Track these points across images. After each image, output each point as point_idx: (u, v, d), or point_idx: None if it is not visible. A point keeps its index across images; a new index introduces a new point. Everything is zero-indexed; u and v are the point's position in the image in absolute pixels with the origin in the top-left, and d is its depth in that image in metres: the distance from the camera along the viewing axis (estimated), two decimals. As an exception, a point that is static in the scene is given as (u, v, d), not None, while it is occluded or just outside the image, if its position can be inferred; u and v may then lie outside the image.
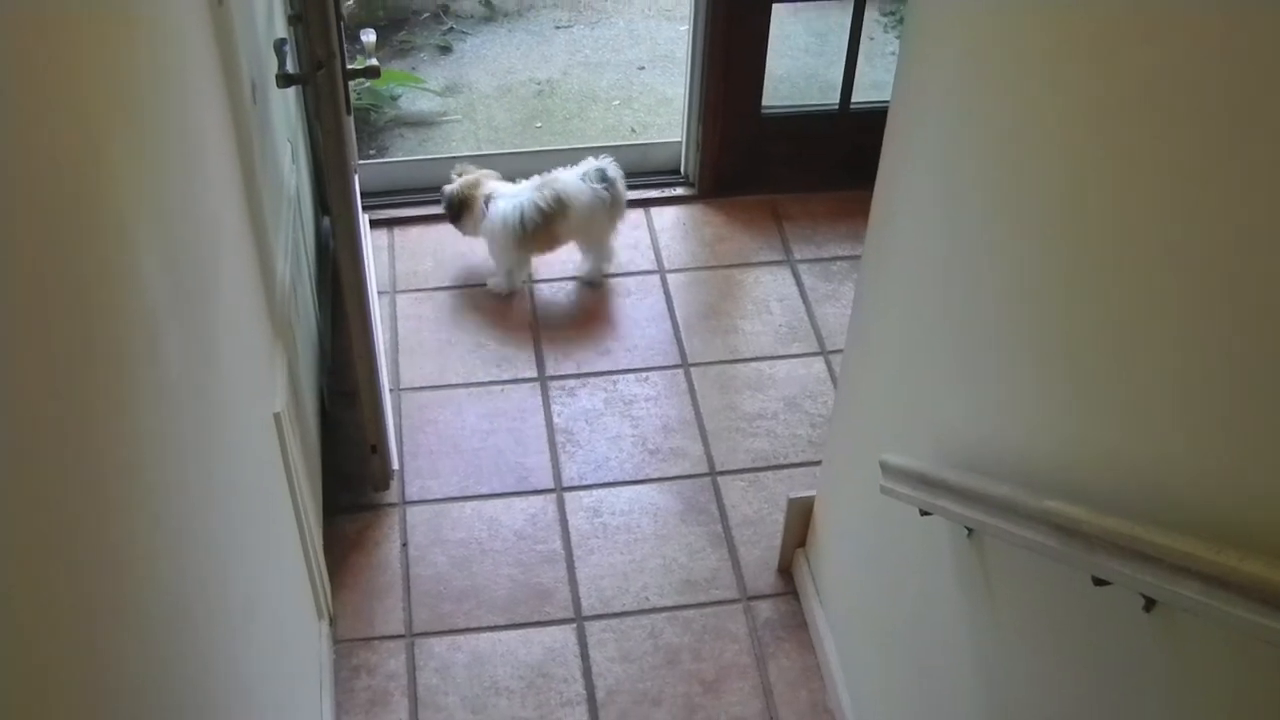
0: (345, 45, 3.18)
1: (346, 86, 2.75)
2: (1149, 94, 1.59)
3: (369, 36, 3.13)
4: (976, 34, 2.13)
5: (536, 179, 4.20)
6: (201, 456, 1.92)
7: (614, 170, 4.19)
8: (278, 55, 2.79)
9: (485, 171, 4.29)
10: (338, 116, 2.74)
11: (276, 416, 2.64)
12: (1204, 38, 1.46)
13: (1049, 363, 1.94)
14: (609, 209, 4.18)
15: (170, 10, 2.00)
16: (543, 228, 4.12)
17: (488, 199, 4.16)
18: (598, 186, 4.13)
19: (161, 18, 1.92)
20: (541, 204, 4.10)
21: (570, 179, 4.15)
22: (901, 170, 2.54)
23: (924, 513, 2.29)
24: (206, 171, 2.18)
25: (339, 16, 2.67)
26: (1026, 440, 2.02)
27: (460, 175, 4.26)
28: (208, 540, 1.91)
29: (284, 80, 2.75)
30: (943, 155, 2.31)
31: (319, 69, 2.66)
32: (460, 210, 4.22)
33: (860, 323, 2.90)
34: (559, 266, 4.34)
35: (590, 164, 4.20)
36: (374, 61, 2.89)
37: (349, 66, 2.75)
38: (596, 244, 4.28)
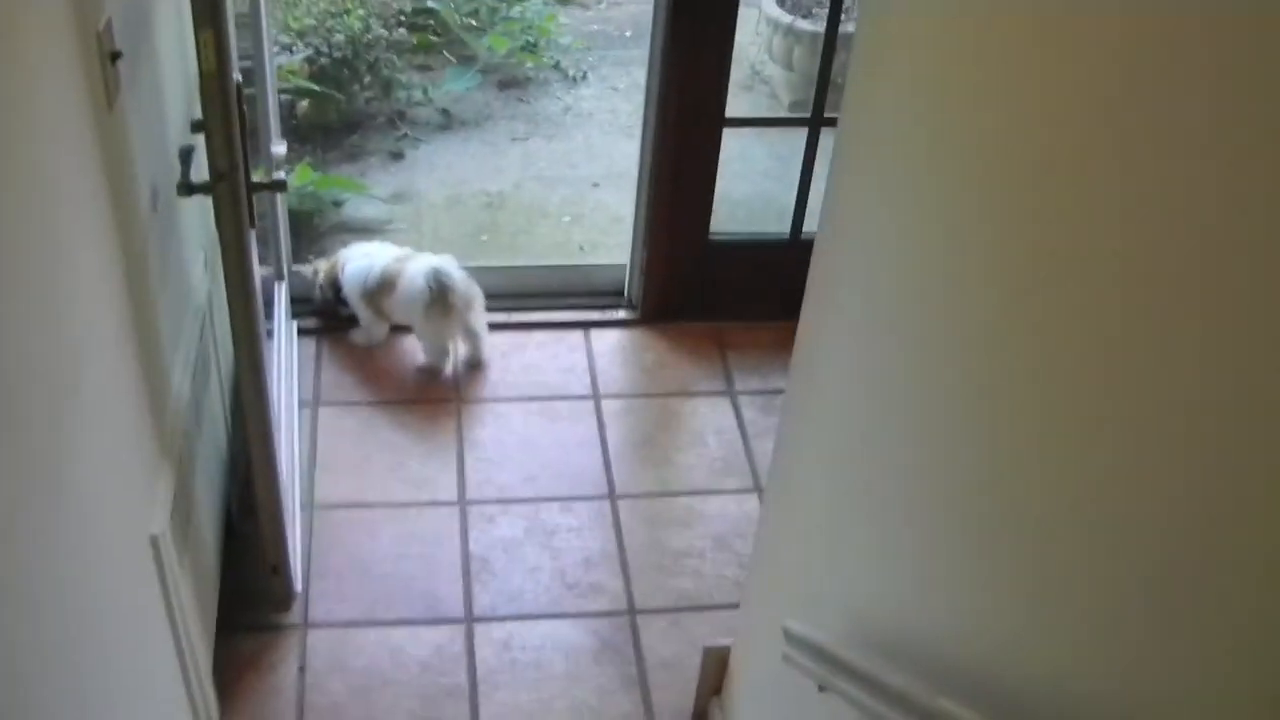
0: (274, 147, 3.11)
1: (250, 200, 2.64)
2: (1083, 242, 1.49)
3: (279, 149, 3.04)
4: (903, 164, 2.03)
5: (406, 250, 4.30)
6: (39, 590, 1.79)
7: (450, 272, 4.14)
8: (182, 163, 2.68)
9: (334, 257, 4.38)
10: (239, 230, 2.64)
11: (154, 539, 2.51)
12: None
13: (963, 546, 1.83)
14: (428, 308, 4.11)
15: (32, 124, 1.89)
16: (375, 295, 4.19)
17: (343, 266, 4.29)
18: (421, 281, 4.09)
19: (14, 137, 1.81)
20: (380, 274, 4.18)
21: (416, 265, 4.17)
22: (823, 311, 2.43)
23: (822, 688, 2.16)
24: (72, 287, 2.07)
25: (243, 126, 2.57)
26: (932, 625, 1.91)
27: (317, 273, 4.36)
28: (60, 674, 1.78)
29: (185, 189, 2.64)
30: (860, 299, 2.21)
31: (220, 180, 2.55)
32: (335, 292, 4.31)
33: (780, 468, 2.78)
34: (488, 387, 4.23)
35: (438, 259, 4.18)
36: (282, 175, 2.80)
37: (254, 180, 2.65)
38: (423, 337, 4.24)
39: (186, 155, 2.70)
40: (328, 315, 4.37)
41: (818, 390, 2.47)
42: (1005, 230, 1.66)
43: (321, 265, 4.36)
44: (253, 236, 2.69)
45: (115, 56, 2.30)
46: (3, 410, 1.68)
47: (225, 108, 2.54)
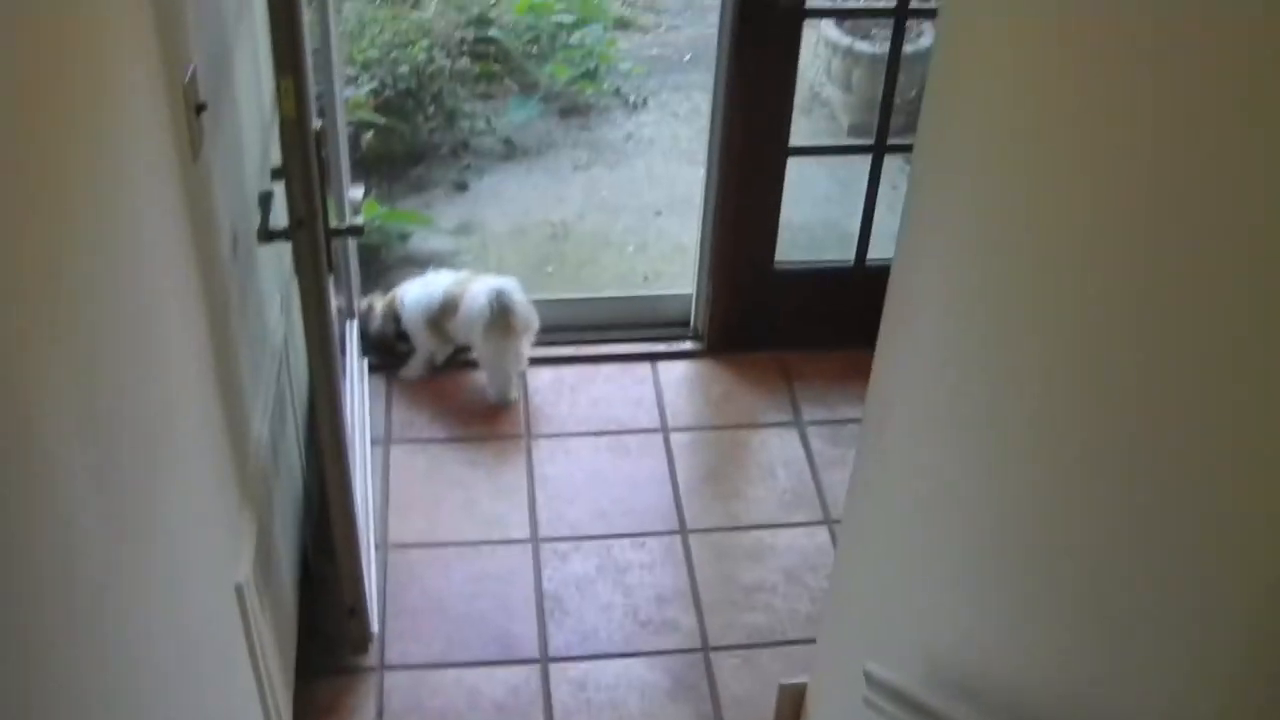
0: (349, 191, 3.12)
1: (329, 244, 2.65)
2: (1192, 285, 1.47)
3: (356, 193, 3.04)
4: (988, 190, 2.00)
5: (465, 273, 4.32)
6: (132, 647, 1.79)
7: (512, 293, 4.15)
8: (261, 208, 2.69)
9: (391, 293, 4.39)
10: (318, 276, 2.64)
11: (238, 588, 2.52)
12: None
13: (1045, 589, 1.80)
14: (488, 328, 4.12)
15: (126, 181, 1.90)
16: (439, 319, 4.20)
17: (402, 299, 4.30)
18: (484, 302, 4.10)
19: (110, 193, 1.82)
20: (443, 296, 4.19)
21: (479, 285, 4.18)
22: (899, 344, 2.40)
23: (906, 731, 2.14)
24: (162, 338, 2.08)
25: (323, 172, 2.57)
26: (1016, 670, 1.89)
27: (373, 309, 4.36)
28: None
29: (265, 236, 2.65)
30: (938, 331, 2.18)
31: (299, 227, 2.56)
32: (395, 325, 4.33)
33: (856, 506, 2.76)
34: (558, 422, 4.22)
35: (500, 280, 4.21)
36: (359, 220, 2.80)
37: (333, 226, 2.65)
38: (484, 360, 4.25)
39: (266, 201, 2.71)
40: (384, 350, 4.37)
41: (894, 427, 2.44)
42: (1108, 261, 1.63)
43: (377, 300, 4.37)
44: (330, 283, 2.70)
45: (200, 109, 2.31)
46: (102, 464, 1.69)
47: (305, 155, 2.55)
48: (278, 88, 2.49)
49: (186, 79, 2.26)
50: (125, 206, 1.90)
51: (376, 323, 4.31)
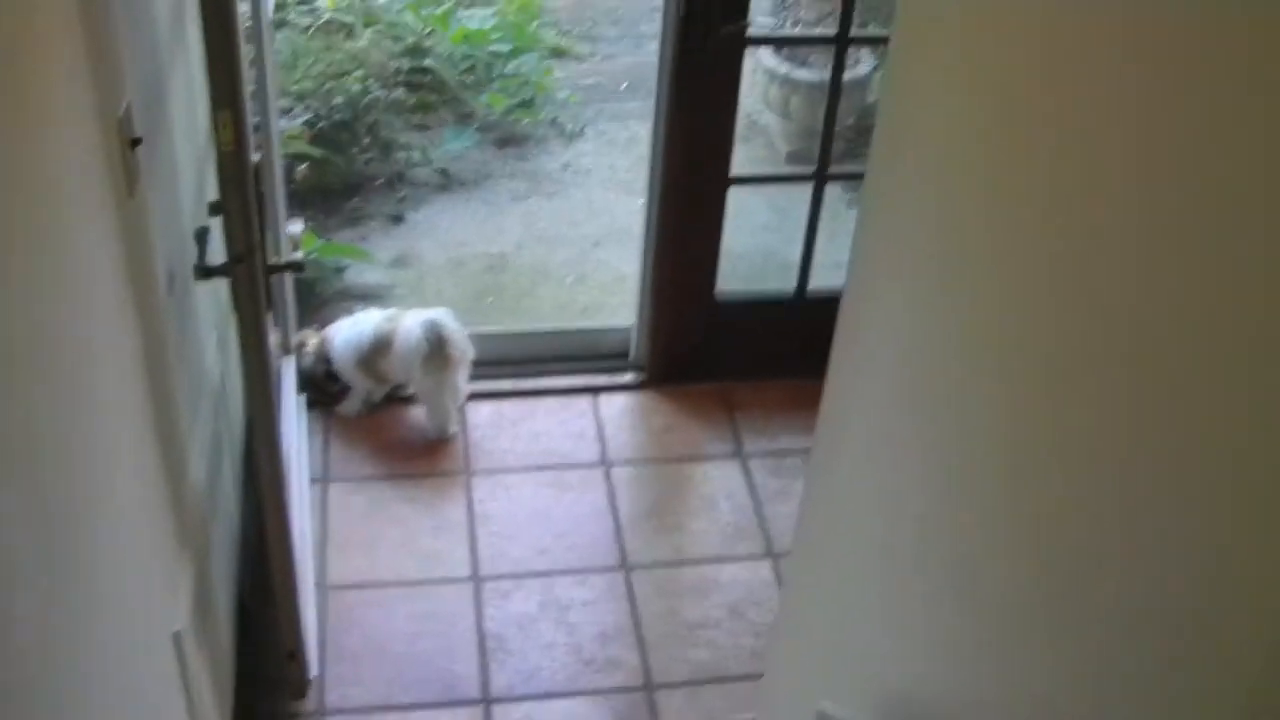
0: (286, 225, 3.06)
1: (268, 281, 2.59)
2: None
3: (295, 228, 3.00)
4: (942, 217, 1.97)
5: (393, 310, 4.26)
6: (66, 698, 1.74)
7: (445, 324, 4.12)
8: (198, 244, 2.63)
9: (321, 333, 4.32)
10: (256, 314, 2.59)
11: (176, 636, 2.45)
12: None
13: (1025, 625, 1.78)
14: (426, 361, 4.07)
15: (59, 219, 1.85)
16: (372, 358, 4.13)
17: (332, 340, 4.23)
18: (419, 335, 4.06)
19: (43, 231, 1.77)
20: (374, 335, 4.12)
21: (411, 319, 4.13)
22: (851, 375, 2.36)
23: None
24: (100, 380, 2.03)
25: (261, 207, 2.52)
26: (985, 715, 1.86)
27: (304, 345, 4.27)
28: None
29: (202, 273, 2.59)
30: (892, 362, 2.15)
31: (238, 263, 2.50)
32: (326, 366, 4.24)
33: (806, 539, 2.72)
34: (497, 457, 4.17)
35: (433, 312, 4.16)
36: (298, 255, 2.75)
37: (271, 261, 2.60)
38: (422, 395, 4.20)
39: (203, 237, 2.64)
40: (315, 388, 4.30)
41: (847, 457, 2.41)
42: (1066, 291, 1.61)
43: (309, 337, 4.30)
44: (269, 320, 2.64)
45: (135, 143, 2.26)
46: (33, 510, 1.64)
47: (243, 189, 2.49)
48: (215, 121, 2.43)
49: (121, 114, 2.21)
50: (58, 245, 1.85)
51: (308, 360, 4.24)
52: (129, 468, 2.22)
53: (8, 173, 1.63)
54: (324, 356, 4.22)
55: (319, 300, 4.88)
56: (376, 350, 4.13)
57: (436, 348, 4.06)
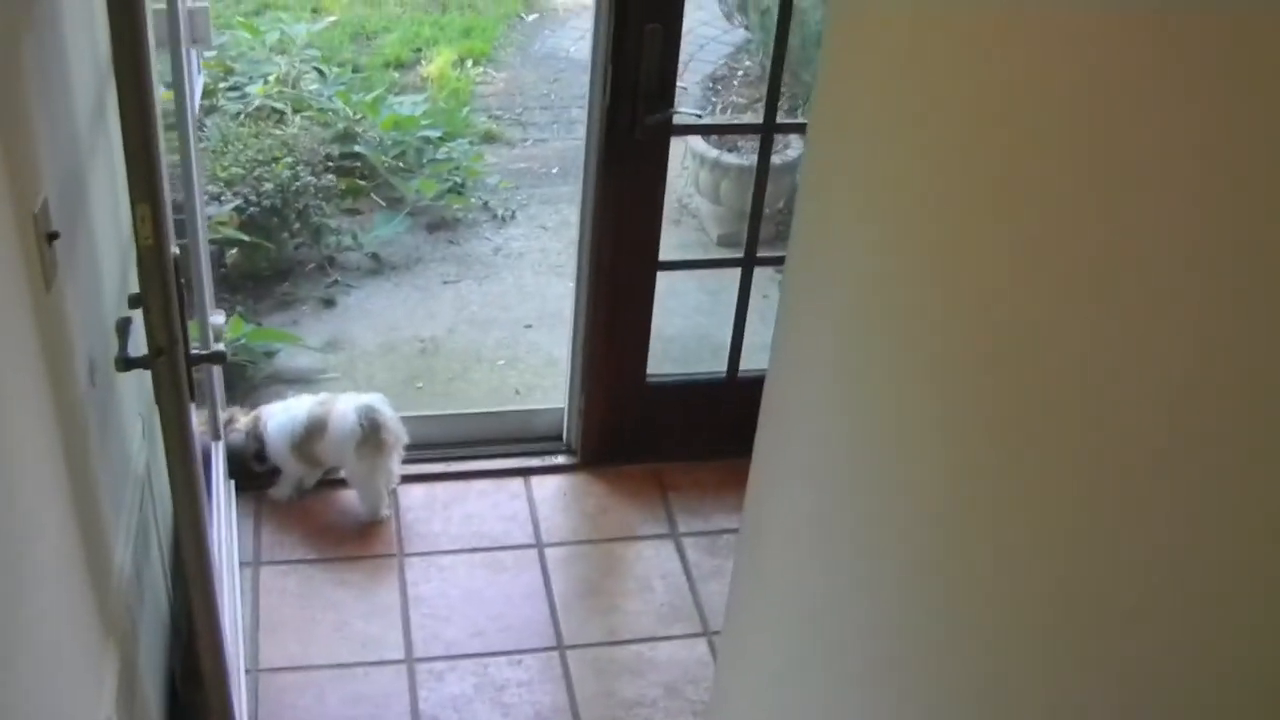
0: (211, 315, 3.06)
1: (190, 372, 2.59)
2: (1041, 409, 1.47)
3: (218, 319, 3.01)
4: (855, 303, 2.00)
5: (324, 395, 4.26)
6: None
7: (380, 409, 4.13)
8: (120, 336, 2.63)
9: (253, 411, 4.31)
10: (179, 405, 2.58)
11: (101, 725, 2.44)
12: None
13: (950, 706, 1.79)
14: (360, 446, 4.08)
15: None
16: (305, 443, 4.12)
17: (265, 423, 4.21)
18: (353, 420, 4.07)
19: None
20: (307, 420, 4.12)
21: (344, 403, 4.14)
22: (772, 460, 2.39)
23: None
24: (16, 478, 2.02)
25: (182, 300, 2.53)
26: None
27: (233, 422, 4.25)
28: None
29: (123, 365, 2.58)
30: (809, 448, 2.18)
31: (159, 355, 2.50)
32: (258, 447, 4.22)
33: (736, 617, 2.73)
34: (430, 540, 4.17)
35: (367, 397, 4.17)
36: (221, 346, 2.76)
37: (194, 352, 2.60)
38: (355, 478, 4.20)
39: (124, 328, 2.64)
40: (242, 465, 4.28)
41: (769, 540, 2.43)
42: (966, 377, 1.63)
43: (239, 414, 4.29)
44: (192, 408, 2.64)
45: (53, 237, 2.27)
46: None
47: (163, 282, 2.49)
48: (134, 214, 2.44)
49: (37, 208, 2.22)
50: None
51: (238, 438, 4.22)
52: (50, 558, 2.21)
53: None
54: (255, 434, 4.21)
55: (249, 385, 4.88)
56: (310, 435, 4.13)
57: (371, 432, 4.07)
